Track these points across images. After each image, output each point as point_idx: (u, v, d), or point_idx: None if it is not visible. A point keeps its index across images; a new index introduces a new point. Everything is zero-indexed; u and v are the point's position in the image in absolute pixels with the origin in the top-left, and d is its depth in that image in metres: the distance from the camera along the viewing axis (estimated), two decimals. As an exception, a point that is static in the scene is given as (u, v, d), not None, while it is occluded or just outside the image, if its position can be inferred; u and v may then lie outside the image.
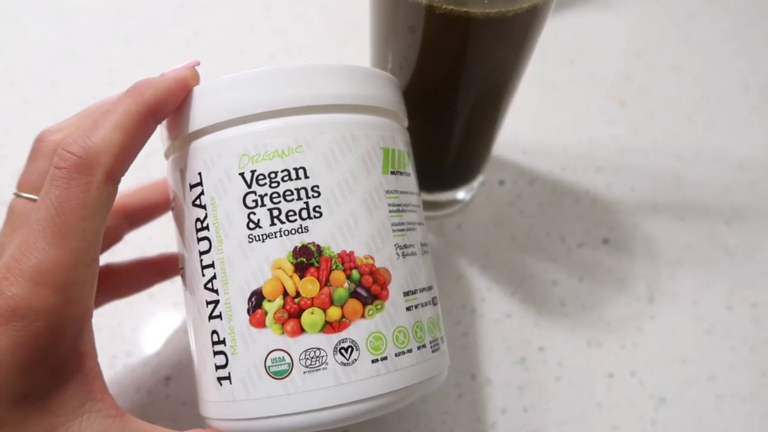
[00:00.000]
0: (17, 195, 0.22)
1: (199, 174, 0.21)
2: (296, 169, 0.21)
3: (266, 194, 0.21)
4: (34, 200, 0.22)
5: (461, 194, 0.37)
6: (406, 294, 0.22)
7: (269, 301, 0.20)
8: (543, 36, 0.28)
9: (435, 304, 0.24)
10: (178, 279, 0.29)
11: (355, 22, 0.45)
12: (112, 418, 0.20)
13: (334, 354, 0.20)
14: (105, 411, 0.20)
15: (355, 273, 0.21)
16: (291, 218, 0.20)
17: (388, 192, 0.22)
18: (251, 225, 0.21)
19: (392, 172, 0.23)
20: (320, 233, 0.21)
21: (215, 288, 0.21)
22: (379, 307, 0.21)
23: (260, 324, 0.20)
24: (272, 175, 0.21)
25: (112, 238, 0.28)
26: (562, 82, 0.44)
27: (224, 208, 0.21)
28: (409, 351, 0.22)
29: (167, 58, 0.43)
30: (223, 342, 0.21)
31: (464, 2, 0.23)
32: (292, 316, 0.20)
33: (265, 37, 0.45)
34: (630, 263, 0.36)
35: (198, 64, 0.23)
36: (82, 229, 0.19)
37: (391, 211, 0.22)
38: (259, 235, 0.21)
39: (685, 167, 0.40)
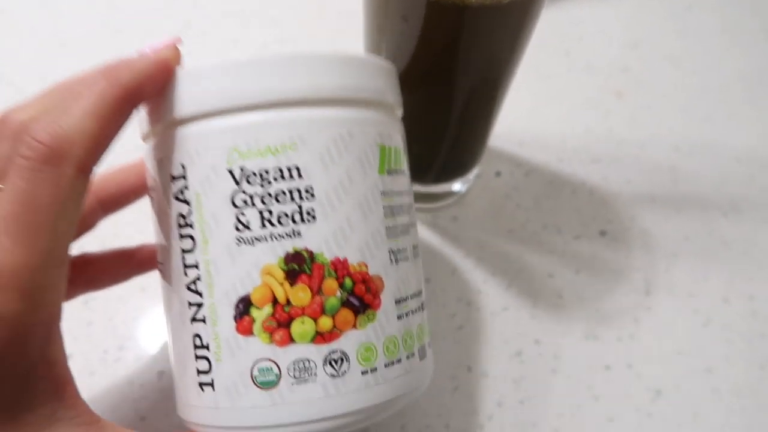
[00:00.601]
0: None
1: (183, 166, 0.20)
2: (290, 168, 0.19)
3: (257, 194, 0.19)
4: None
5: (457, 186, 0.36)
6: (397, 302, 0.21)
7: (257, 308, 0.19)
8: (539, 27, 0.27)
9: (423, 309, 0.23)
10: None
11: (349, 12, 0.44)
12: (86, 426, 0.19)
13: (323, 365, 0.19)
14: (78, 418, 0.19)
15: (348, 281, 0.20)
16: (283, 222, 0.19)
17: (383, 194, 0.21)
18: (240, 227, 0.19)
19: (388, 172, 0.21)
20: (313, 239, 0.19)
21: (199, 290, 0.20)
22: (371, 316, 0.20)
23: (247, 332, 0.19)
24: (264, 174, 0.19)
25: (85, 225, 0.26)
26: (558, 74, 0.43)
27: (210, 206, 0.19)
28: (398, 361, 0.21)
29: (159, 50, 0.43)
30: (207, 347, 0.20)
31: (459, -10, 0.23)
32: (282, 325, 0.19)
33: (258, 28, 0.44)
34: (627, 255, 0.35)
35: (180, 41, 0.21)
36: (51, 228, 0.17)
37: (385, 215, 0.21)
38: (248, 238, 0.19)
39: (682, 159, 0.39)
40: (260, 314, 0.19)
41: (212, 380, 0.20)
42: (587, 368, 0.32)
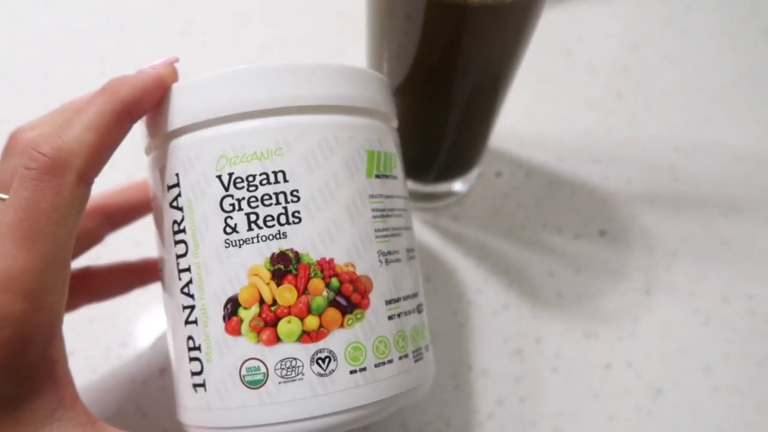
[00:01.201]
0: None
1: (177, 175, 0.20)
2: (275, 173, 0.20)
3: (244, 198, 0.20)
4: (4, 200, 0.21)
5: (458, 186, 0.36)
6: (388, 302, 0.21)
7: (245, 308, 0.19)
8: (539, 27, 0.27)
9: (420, 311, 0.23)
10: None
11: (351, 11, 0.44)
12: (83, 426, 0.19)
13: (310, 364, 0.19)
14: (76, 419, 0.19)
15: (334, 281, 0.20)
16: (269, 223, 0.20)
17: (372, 196, 0.21)
18: (228, 230, 0.20)
19: (377, 176, 0.22)
20: (299, 239, 0.20)
21: (191, 293, 0.20)
22: (359, 316, 0.20)
23: (235, 332, 0.20)
24: (250, 179, 0.20)
25: (92, 240, 0.27)
26: (558, 74, 0.43)
27: (201, 211, 0.20)
28: (390, 361, 0.21)
29: (160, 48, 0.43)
30: (199, 348, 0.20)
31: (462, -10, 0.23)
32: (268, 324, 0.19)
33: (259, 28, 0.44)
34: (627, 255, 0.35)
35: (177, 61, 0.22)
36: (52, 233, 0.18)
37: (374, 217, 0.21)
38: (235, 241, 0.20)
39: (681, 159, 0.39)
40: (248, 314, 0.19)
41: (204, 381, 0.20)
42: (587, 367, 0.32)
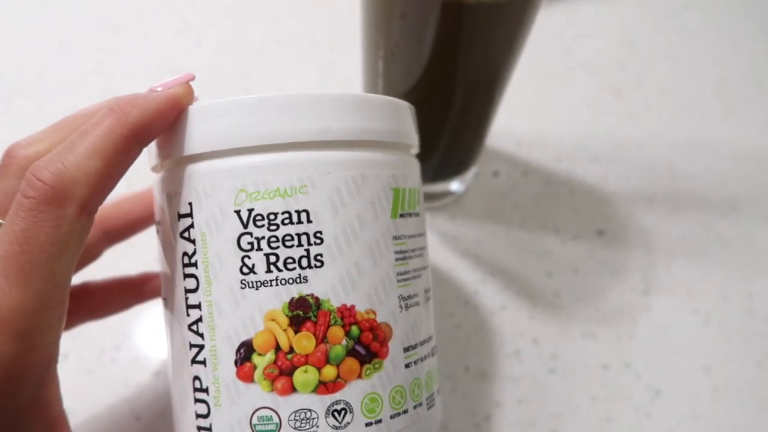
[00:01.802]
0: None
1: (190, 204, 0.19)
2: (299, 212, 0.18)
3: (264, 237, 0.18)
4: None
5: (455, 185, 0.35)
6: (406, 350, 0.20)
7: (260, 354, 0.18)
8: (537, 26, 0.27)
9: (433, 354, 0.22)
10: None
11: (347, 10, 0.44)
12: None
13: (326, 416, 0.18)
14: None
15: (354, 329, 0.19)
16: (289, 266, 0.18)
17: (395, 238, 0.20)
18: (245, 270, 0.18)
19: (401, 215, 0.20)
20: (320, 284, 0.18)
21: (200, 332, 0.19)
22: (377, 366, 0.19)
23: (248, 378, 0.18)
24: (271, 217, 0.18)
25: (89, 256, 0.25)
26: (556, 73, 0.43)
27: (216, 247, 0.18)
28: (405, 412, 0.20)
29: (156, 48, 0.42)
30: (206, 391, 0.19)
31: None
32: (284, 373, 0.18)
33: (255, 26, 0.43)
34: (625, 255, 0.35)
35: (192, 78, 0.20)
36: (49, 269, 0.16)
37: (397, 259, 0.20)
38: (252, 282, 0.18)
39: (680, 158, 0.38)
40: (262, 361, 0.18)
41: (210, 425, 0.19)
42: (586, 368, 0.31)
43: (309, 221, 0.18)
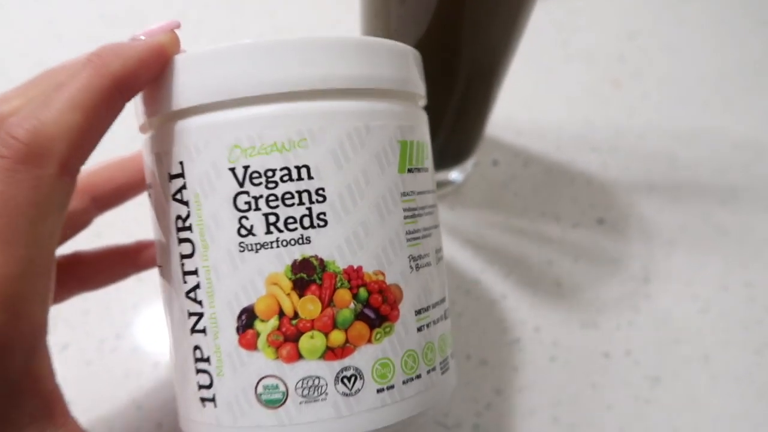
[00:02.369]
0: None
1: (181, 164, 0.17)
2: (298, 168, 0.17)
3: (261, 196, 0.17)
4: None
5: (454, 175, 0.34)
6: (417, 312, 0.19)
7: (262, 321, 0.17)
8: (536, 17, 0.27)
9: (446, 317, 0.21)
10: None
11: (347, 1, 0.44)
12: None
13: (335, 383, 0.17)
14: None
15: (362, 291, 0.17)
16: (290, 226, 0.17)
17: (404, 194, 0.18)
18: (243, 231, 0.17)
19: (409, 170, 0.19)
20: (324, 245, 0.17)
21: (199, 299, 0.18)
22: (387, 329, 0.18)
23: (251, 346, 0.17)
24: (269, 174, 0.17)
25: (78, 224, 0.23)
26: (556, 63, 0.42)
27: (211, 208, 0.17)
28: (418, 377, 0.19)
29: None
30: (207, 360, 0.18)
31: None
32: (289, 339, 0.17)
33: (253, 17, 0.42)
34: (625, 243, 0.34)
35: (178, 26, 0.18)
36: (31, 234, 0.15)
37: (406, 217, 0.18)
38: (251, 244, 0.17)
39: (680, 148, 0.38)
40: (265, 327, 0.17)
41: (213, 396, 0.18)
42: (586, 356, 0.31)
43: (310, 177, 0.17)
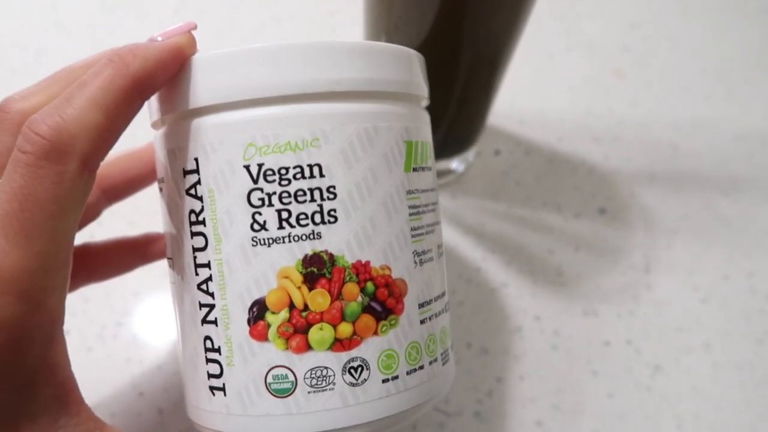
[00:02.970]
0: None
1: (196, 160, 0.18)
2: (311, 167, 0.18)
3: (275, 193, 0.18)
4: None
5: (455, 164, 0.35)
6: (421, 306, 0.20)
7: (273, 312, 0.18)
8: (539, 6, 0.26)
9: (447, 310, 0.22)
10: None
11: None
12: None
13: (342, 374, 0.18)
14: (82, 425, 0.17)
15: (369, 285, 0.18)
16: (302, 222, 0.18)
17: (409, 192, 0.19)
18: (256, 226, 0.18)
19: (414, 169, 0.20)
20: (334, 240, 0.18)
21: (210, 291, 0.18)
22: (393, 322, 0.19)
23: (262, 337, 0.18)
24: (282, 172, 0.18)
25: (88, 215, 0.24)
26: (558, 53, 0.42)
27: (225, 203, 0.18)
28: (421, 368, 0.19)
29: (154, 28, 0.42)
30: (218, 350, 0.19)
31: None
32: (298, 331, 0.18)
33: (254, 6, 0.42)
34: (626, 233, 0.35)
35: (194, 27, 0.19)
36: (51, 228, 0.16)
37: (411, 214, 0.19)
38: (264, 239, 0.18)
39: (682, 138, 0.38)
40: (276, 319, 0.18)
41: (223, 385, 0.19)
42: (587, 344, 0.31)
43: (321, 175, 0.18)
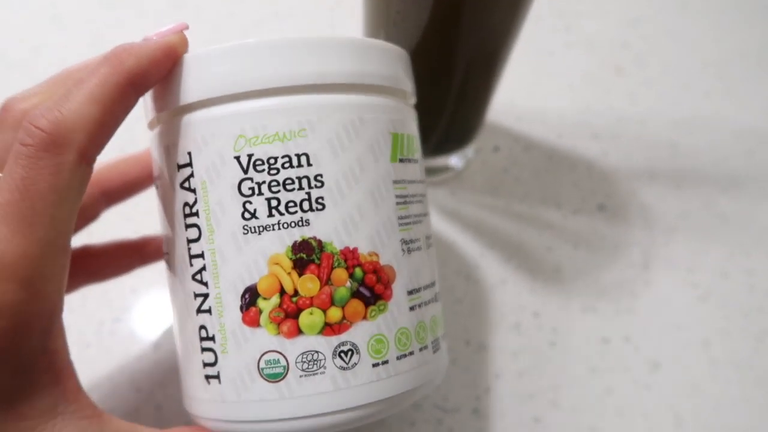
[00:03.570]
0: None
1: (189, 154, 0.19)
2: (298, 156, 0.19)
3: (264, 182, 0.18)
4: None
5: (454, 160, 0.35)
6: (410, 293, 0.20)
7: (265, 298, 0.18)
8: (538, 2, 0.27)
9: (437, 300, 0.22)
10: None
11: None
12: (88, 419, 0.18)
13: (333, 357, 0.19)
14: (80, 412, 0.18)
15: (358, 271, 0.19)
16: (291, 210, 0.18)
17: (395, 182, 0.20)
18: (246, 215, 0.18)
19: (401, 160, 0.21)
20: (322, 227, 0.19)
21: (204, 280, 0.19)
22: (381, 307, 0.19)
23: (254, 323, 0.19)
24: (271, 161, 0.18)
25: (87, 216, 0.25)
26: (558, 49, 0.42)
27: (217, 194, 0.19)
28: (411, 353, 0.20)
29: (153, 23, 0.42)
30: (213, 339, 0.19)
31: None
32: (289, 316, 0.18)
33: (253, 2, 0.43)
34: (625, 230, 0.35)
35: (186, 27, 0.20)
36: (50, 216, 0.17)
37: (398, 203, 0.20)
38: (255, 227, 0.18)
39: (681, 135, 0.38)
40: (267, 305, 0.19)
41: (218, 373, 0.19)
42: (585, 341, 0.31)
43: (309, 164, 0.19)
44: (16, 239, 0.16)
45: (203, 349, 0.20)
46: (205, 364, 0.20)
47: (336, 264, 0.19)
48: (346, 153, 0.19)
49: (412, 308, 0.20)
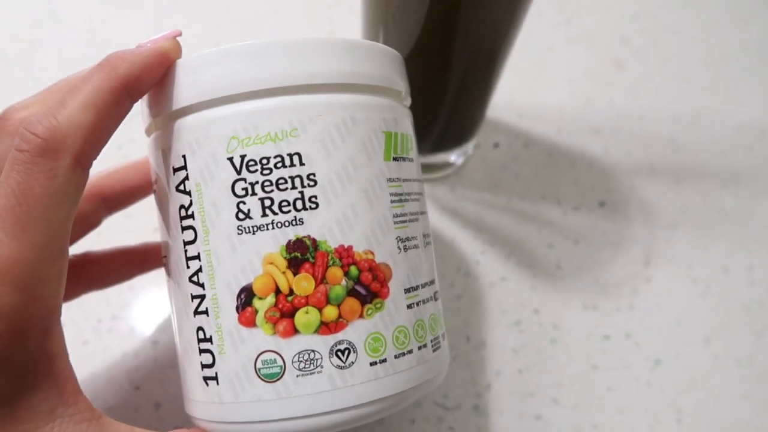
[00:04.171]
0: None
1: (183, 157, 0.19)
2: (290, 155, 0.19)
3: (257, 182, 0.19)
4: None
5: (453, 157, 0.35)
6: (407, 291, 0.20)
7: (260, 298, 0.19)
8: None
9: (436, 299, 0.22)
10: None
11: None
12: (87, 422, 0.18)
13: (329, 356, 0.19)
14: (78, 415, 0.18)
15: (353, 269, 0.19)
16: (284, 209, 0.19)
17: (389, 180, 0.20)
18: (240, 215, 0.19)
19: (395, 158, 0.21)
20: (316, 226, 0.19)
21: (201, 282, 0.19)
22: (378, 305, 0.19)
23: (250, 323, 0.19)
24: (264, 161, 0.19)
25: (89, 224, 0.25)
26: (558, 44, 0.42)
27: (211, 195, 0.19)
28: (410, 352, 0.20)
29: (150, 19, 0.41)
30: (210, 340, 0.19)
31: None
32: (285, 315, 0.18)
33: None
34: (626, 226, 0.35)
35: (179, 34, 0.20)
36: (46, 220, 0.17)
37: (392, 201, 0.20)
38: (249, 227, 0.19)
39: (682, 130, 0.38)
40: (263, 305, 0.19)
41: (216, 374, 0.19)
42: (586, 338, 0.31)
43: (302, 164, 0.19)
44: (12, 243, 0.16)
45: (201, 351, 0.20)
46: (204, 366, 0.20)
47: (331, 262, 0.19)
48: (338, 152, 0.19)
49: (409, 306, 0.20)
